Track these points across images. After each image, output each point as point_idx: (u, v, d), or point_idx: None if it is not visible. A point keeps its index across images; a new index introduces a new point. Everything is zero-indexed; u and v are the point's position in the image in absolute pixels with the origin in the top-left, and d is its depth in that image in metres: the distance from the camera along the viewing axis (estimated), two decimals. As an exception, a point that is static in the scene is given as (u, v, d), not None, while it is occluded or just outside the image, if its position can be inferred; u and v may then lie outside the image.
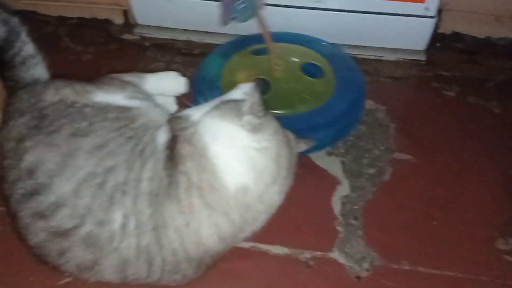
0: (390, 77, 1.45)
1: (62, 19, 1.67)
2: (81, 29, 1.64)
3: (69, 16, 1.67)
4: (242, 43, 1.37)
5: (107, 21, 1.65)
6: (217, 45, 1.55)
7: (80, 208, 0.78)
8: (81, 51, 1.54)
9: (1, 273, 0.97)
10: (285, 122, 1.09)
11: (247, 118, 0.83)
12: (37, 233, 0.80)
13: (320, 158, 1.19)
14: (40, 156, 0.81)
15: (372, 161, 1.20)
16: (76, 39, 1.59)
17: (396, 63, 1.50)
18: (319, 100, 1.18)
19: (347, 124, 1.22)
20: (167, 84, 1.15)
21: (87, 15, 1.66)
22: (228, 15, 1.14)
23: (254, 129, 0.84)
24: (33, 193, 0.80)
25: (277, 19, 1.27)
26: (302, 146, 0.96)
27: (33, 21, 1.66)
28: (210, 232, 0.83)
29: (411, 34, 1.48)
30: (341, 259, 1.00)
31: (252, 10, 1.15)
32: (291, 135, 0.94)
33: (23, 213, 0.81)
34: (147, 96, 1.03)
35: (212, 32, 1.59)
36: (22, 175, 0.81)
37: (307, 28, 1.41)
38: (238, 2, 1.13)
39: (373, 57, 1.51)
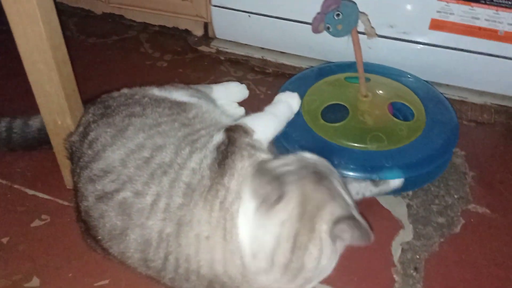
0: (473, 121, 1.33)
1: (145, 26, 1.73)
2: (161, 37, 1.68)
3: (152, 23, 1.72)
4: (326, 70, 1.32)
5: (187, 32, 1.68)
6: (291, 66, 1.53)
7: (123, 175, 0.84)
8: (158, 57, 1.57)
9: (42, 265, 0.97)
10: (351, 155, 1.04)
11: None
12: (87, 197, 0.86)
13: (384, 197, 1.10)
14: (99, 132, 0.91)
15: (443, 209, 1.08)
16: (155, 45, 1.63)
17: (483, 107, 1.38)
18: (395, 143, 1.08)
19: (419, 175, 1.07)
20: (231, 92, 1.30)
21: (169, 24, 1.70)
22: (321, 23, 1.10)
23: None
24: (90, 161, 0.88)
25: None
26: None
27: (119, 24, 1.74)
28: (221, 260, 0.77)
29: (504, 78, 1.36)
30: (394, 313, 0.90)
31: (346, 25, 1.10)
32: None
33: (81, 182, 0.88)
34: (209, 99, 1.11)
35: (287, 53, 1.57)
36: (85, 147, 0.91)
37: (388, 60, 1.33)
38: (334, 12, 1.08)
39: (456, 98, 1.40)
